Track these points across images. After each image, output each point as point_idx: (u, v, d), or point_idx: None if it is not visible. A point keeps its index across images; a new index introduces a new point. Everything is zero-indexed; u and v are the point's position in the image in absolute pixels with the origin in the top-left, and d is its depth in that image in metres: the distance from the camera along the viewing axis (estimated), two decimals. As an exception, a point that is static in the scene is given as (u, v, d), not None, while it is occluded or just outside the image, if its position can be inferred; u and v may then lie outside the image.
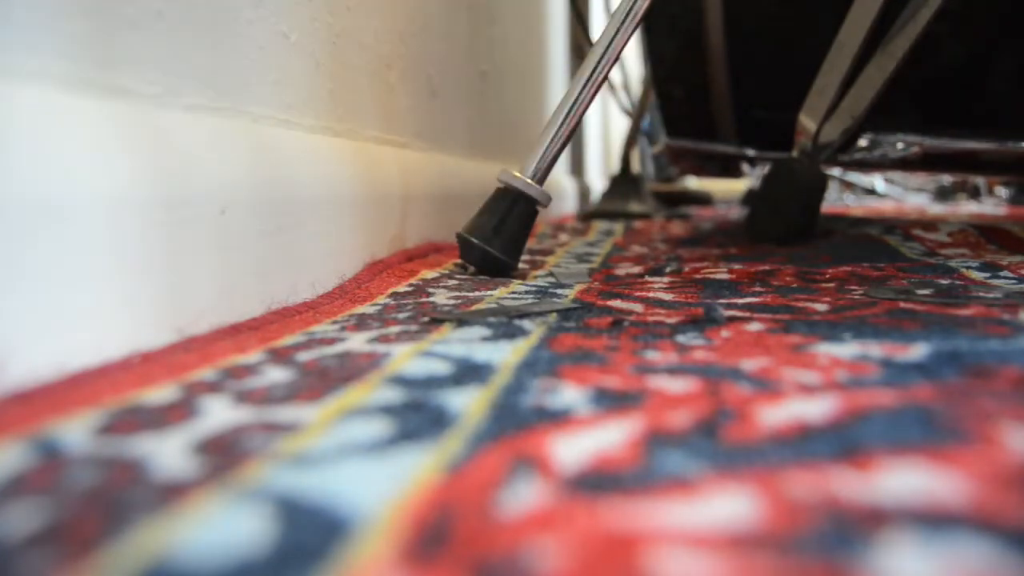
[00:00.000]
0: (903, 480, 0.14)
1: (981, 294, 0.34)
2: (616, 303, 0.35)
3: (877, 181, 1.93)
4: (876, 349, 0.24)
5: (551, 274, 0.46)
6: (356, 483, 0.15)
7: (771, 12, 0.80)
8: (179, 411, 0.19)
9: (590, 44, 0.66)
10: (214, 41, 0.33)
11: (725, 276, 0.43)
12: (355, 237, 0.43)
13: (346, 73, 0.48)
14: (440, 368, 0.23)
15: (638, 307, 0.33)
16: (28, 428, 0.17)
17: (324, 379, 0.22)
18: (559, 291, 0.38)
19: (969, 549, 0.12)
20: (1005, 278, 0.41)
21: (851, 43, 0.59)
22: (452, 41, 0.75)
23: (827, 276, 0.42)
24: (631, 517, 0.13)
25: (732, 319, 0.30)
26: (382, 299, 0.37)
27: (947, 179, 1.95)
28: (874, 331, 0.27)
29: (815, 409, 0.18)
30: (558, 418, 0.18)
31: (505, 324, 0.30)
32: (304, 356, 0.24)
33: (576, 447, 0.16)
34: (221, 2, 0.34)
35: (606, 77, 0.47)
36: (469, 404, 0.19)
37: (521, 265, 0.49)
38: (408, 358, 0.24)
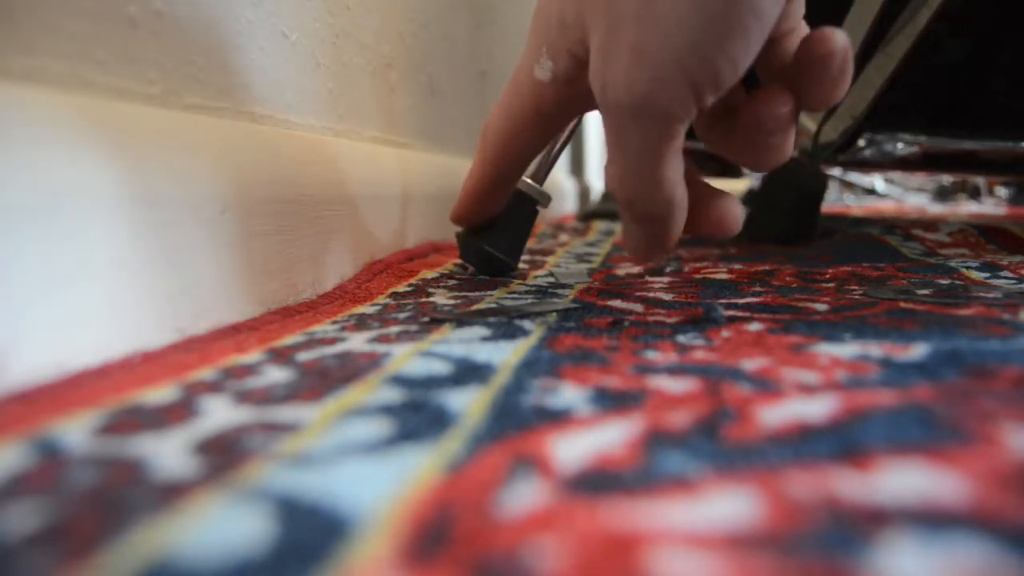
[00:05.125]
0: (903, 480, 0.14)
1: (981, 294, 0.34)
2: (616, 303, 0.35)
3: (877, 181, 1.93)
4: (876, 349, 0.24)
5: (551, 274, 0.46)
6: (356, 483, 0.15)
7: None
8: (179, 411, 0.19)
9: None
10: (214, 41, 0.33)
11: (725, 276, 0.43)
12: (355, 237, 0.43)
13: (346, 73, 0.48)
14: (440, 368, 0.23)
15: (638, 307, 0.33)
16: (28, 428, 0.17)
17: (324, 379, 0.22)
18: (559, 291, 0.38)
19: (969, 549, 0.12)
20: (1005, 278, 0.41)
21: (851, 43, 0.59)
22: (452, 41, 0.75)
23: (827, 276, 0.42)
24: (631, 517, 0.13)
25: (732, 319, 0.30)
26: (382, 299, 0.37)
27: (947, 179, 1.95)
28: (874, 331, 0.27)
29: (815, 409, 0.18)
30: (558, 418, 0.18)
31: (505, 324, 0.30)
32: (304, 356, 0.24)
33: (576, 447, 0.16)
34: (221, 2, 0.34)
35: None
36: (469, 404, 0.19)
37: (521, 265, 0.49)
38: (408, 358, 0.24)
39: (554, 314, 0.32)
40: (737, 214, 0.31)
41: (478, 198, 0.38)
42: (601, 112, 0.27)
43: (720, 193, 0.31)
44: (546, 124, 0.33)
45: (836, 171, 1.60)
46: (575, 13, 0.28)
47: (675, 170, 0.27)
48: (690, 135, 0.31)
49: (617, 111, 0.26)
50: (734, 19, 0.24)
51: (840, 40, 0.27)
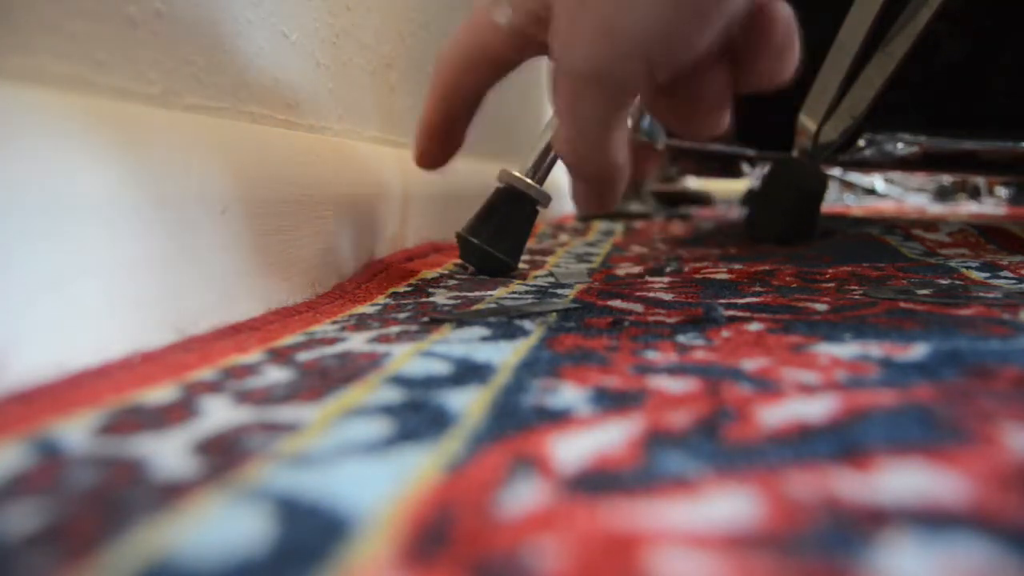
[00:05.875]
0: (903, 480, 0.14)
1: (981, 294, 0.34)
2: (616, 303, 0.35)
3: (877, 181, 1.93)
4: (876, 349, 0.24)
5: (551, 274, 0.46)
6: (356, 483, 0.15)
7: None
8: (179, 411, 0.19)
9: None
10: (214, 41, 0.33)
11: (725, 276, 0.43)
12: (355, 237, 0.43)
13: (346, 73, 0.48)
14: (440, 368, 0.23)
15: (638, 307, 0.33)
16: (28, 428, 0.17)
17: (324, 379, 0.22)
18: (559, 291, 0.38)
19: (969, 549, 0.12)
20: (1005, 278, 0.41)
21: (851, 43, 0.59)
22: (452, 41, 0.74)
23: (827, 276, 0.42)
24: (631, 517, 0.13)
25: (732, 319, 0.30)
26: (382, 299, 0.37)
27: (947, 179, 1.95)
28: (874, 331, 0.27)
29: (815, 409, 0.18)
30: (558, 418, 0.18)
31: (505, 324, 0.30)
32: (304, 356, 0.24)
33: (576, 447, 0.16)
34: (221, 2, 0.34)
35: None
36: (469, 404, 0.19)
37: (521, 265, 0.49)
38: (408, 358, 0.24)
39: (554, 314, 0.32)
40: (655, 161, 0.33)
41: (432, 133, 0.38)
42: (556, 76, 0.28)
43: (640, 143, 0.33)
44: (497, 67, 0.35)
45: (836, 171, 1.60)
46: None
47: (620, 137, 0.29)
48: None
49: (574, 78, 0.27)
50: (700, 7, 0.25)
51: (782, 10, 0.27)
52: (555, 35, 0.28)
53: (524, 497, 0.14)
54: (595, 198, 0.32)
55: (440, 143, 0.38)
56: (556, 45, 0.28)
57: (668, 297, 0.36)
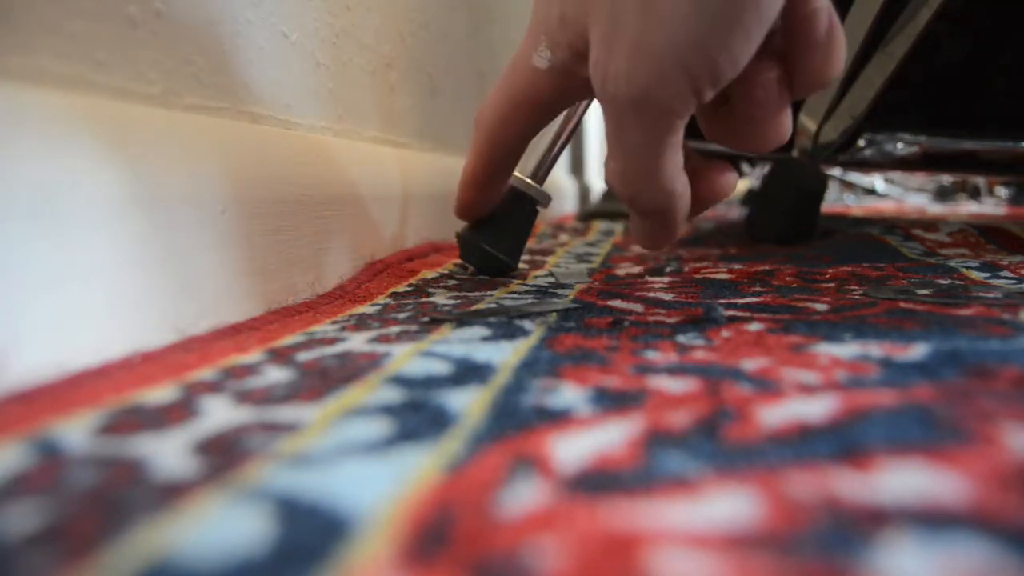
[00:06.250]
0: (903, 480, 0.14)
1: (981, 294, 0.34)
2: (616, 303, 0.35)
3: (877, 181, 1.93)
4: (876, 349, 0.24)
5: (551, 274, 0.46)
6: (356, 483, 0.15)
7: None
8: (179, 411, 0.19)
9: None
10: (214, 41, 0.33)
11: (725, 276, 0.43)
12: (355, 237, 0.43)
13: (346, 73, 0.48)
14: (440, 368, 0.23)
15: (638, 307, 0.33)
16: (28, 428, 0.17)
17: (324, 379, 0.22)
18: (559, 291, 0.38)
19: (969, 549, 0.12)
20: (1005, 278, 0.41)
21: (851, 43, 0.59)
22: (452, 41, 0.75)
23: (827, 276, 0.42)
24: (631, 517, 0.13)
25: (732, 319, 0.30)
26: (382, 299, 0.37)
27: (947, 179, 1.95)
28: (874, 331, 0.27)
29: (815, 409, 0.18)
30: (558, 418, 0.18)
31: (505, 324, 0.30)
32: (304, 356, 0.24)
33: (576, 447, 0.16)
34: (221, 2, 0.34)
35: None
36: (469, 404, 0.19)
37: (521, 265, 0.49)
38: (408, 358, 0.24)
39: (554, 314, 0.32)
40: (732, 180, 0.32)
41: (475, 185, 0.38)
42: (602, 106, 0.28)
43: (712, 163, 0.31)
44: (541, 111, 0.34)
45: (836, 171, 1.60)
46: (576, 6, 0.28)
47: (674, 163, 0.28)
48: (691, 134, 0.31)
49: (617, 105, 0.26)
50: (735, 16, 0.24)
51: (820, 1, 0.26)
52: (593, 65, 0.27)
53: (524, 497, 0.14)
54: (656, 231, 0.30)
55: (484, 195, 0.38)
56: (595, 74, 0.27)
57: (668, 297, 0.36)
